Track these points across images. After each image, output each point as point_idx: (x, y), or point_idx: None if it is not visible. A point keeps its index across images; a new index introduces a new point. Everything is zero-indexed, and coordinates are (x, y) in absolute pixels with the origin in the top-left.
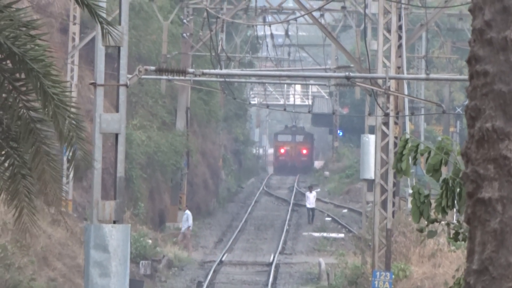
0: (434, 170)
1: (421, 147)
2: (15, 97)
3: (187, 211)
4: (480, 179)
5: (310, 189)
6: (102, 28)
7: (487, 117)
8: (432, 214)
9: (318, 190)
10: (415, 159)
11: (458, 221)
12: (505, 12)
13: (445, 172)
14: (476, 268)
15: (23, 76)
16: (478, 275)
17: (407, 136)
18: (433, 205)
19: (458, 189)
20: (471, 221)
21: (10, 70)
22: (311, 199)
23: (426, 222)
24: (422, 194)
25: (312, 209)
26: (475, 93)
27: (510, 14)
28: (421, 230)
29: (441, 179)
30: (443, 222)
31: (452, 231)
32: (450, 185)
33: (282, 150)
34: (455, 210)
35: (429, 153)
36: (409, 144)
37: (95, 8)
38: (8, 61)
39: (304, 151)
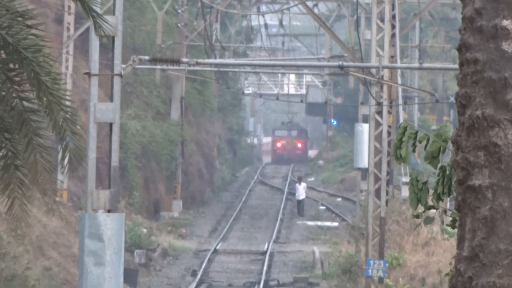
0: (432, 158)
1: (420, 134)
2: (8, 87)
3: None
4: (471, 166)
5: (299, 180)
6: (95, 21)
7: (477, 104)
8: (430, 201)
9: (312, 179)
10: (414, 146)
11: (455, 208)
12: (495, 0)
13: (441, 161)
14: (467, 255)
15: (17, 66)
16: (468, 262)
17: (406, 123)
18: (430, 192)
19: (455, 177)
20: (462, 208)
21: (4, 60)
22: (300, 191)
23: (422, 209)
24: (420, 181)
25: (302, 201)
26: (465, 80)
27: (500, 2)
28: (417, 217)
29: (438, 166)
30: (439, 209)
31: (450, 218)
32: (448, 172)
33: (279, 144)
34: (449, 198)
35: (428, 140)
36: (408, 132)
37: (88, 1)
38: (1, 51)
39: (299, 145)
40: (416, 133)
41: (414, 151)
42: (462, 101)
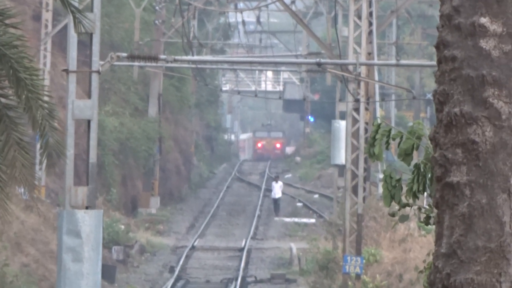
0: (406, 155)
1: (393, 132)
2: None
3: None
4: (449, 163)
5: (276, 179)
6: (74, 17)
7: (455, 102)
8: (403, 199)
9: (290, 175)
10: (387, 143)
11: (429, 205)
12: None
13: (416, 157)
14: (445, 251)
15: None
16: (446, 258)
17: (379, 121)
18: (404, 189)
19: (429, 174)
20: (440, 205)
21: None
22: (276, 189)
23: (397, 207)
24: (394, 178)
25: (278, 199)
26: (443, 78)
27: (478, 0)
28: (392, 215)
29: (412, 163)
30: (414, 207)
31: (423, 215)
32: (422, 169)
33: (260, 144)
34: (425, 195)
35: (401, 138)
36: (381, 129)
37: None
38: None
39: (278, 145)
40: (389, 131)
41: (387, 148)
42: (440, 98)
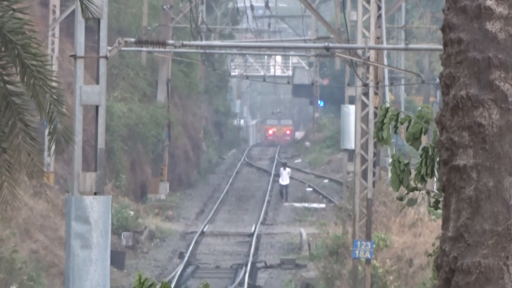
0: (414, 139)
1: (401, 116)
2: None
3: None
4: (455, 146)
5: (284, 165)
6: (82, 2)
7: (462, 84)
8: (412, 183)
9: (299, 160)
10: (395, 127)
11: (438, 189)
12: None
13: (425, 141)
14: (451, 235)
15: (2, 49)
16: (453, 242)
17: (387, 105)
18: (413, 173)
19: (438, 158)
20: (446, 189)
21: None
22: (284, 176)
23: (406, 191)
24: (402, 163)
25: (286, 186)
26: (449, 61)
27: None
28: (401, 199)
29: (420, 147)
30: (423, 191)
31: (432, 200)
32: (430, 153)
33: (271, 132)
34: (435, 179)
35: (409, 122)
36: (390, 113)
37: None
38: None
39: (288, 132)
40: (397, 115)
41: (395, 132)
42: (446, 81)
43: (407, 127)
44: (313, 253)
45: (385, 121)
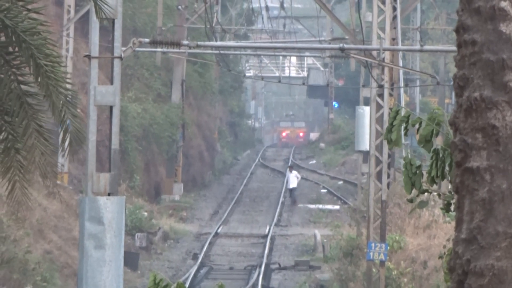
0: (426, 141)
1: (413, 118)
2: (7, 70)
3: None
4: (468, 148)
5: (290, 169)
6: (96, 2)
7: (475, 86)
8: (424, 185)
9: (314, 162)
10: (406, 129)
11: (450, 191)
12: None
13: (440, 143)
14: (465, 237)
15: (16, 49)
16: (466, 244)
17: (399, 107)
18: (425, 176)
19: (448, 160)
20: (460, 190)
21: (2, 43)
22: (291, 179)
23: (417, 193)
24: (414, 165)
25: (293, 190)
26: (463, 62)
27: None
28: (411, 201)
29: (432, 149)
30: (434, 193)
31: (444, 202)
32: (441, 155)
33: (284, 134)
34: (448, 181)
35: (420, 123)
36: (400, 115)
37: None
38: (1, 34)
39: (301, 134)
40: (408, 117)
41: (406, 134)
42: (460, 83)
43: (417, 129)
44: (327, 254)
45: (394, 123)
